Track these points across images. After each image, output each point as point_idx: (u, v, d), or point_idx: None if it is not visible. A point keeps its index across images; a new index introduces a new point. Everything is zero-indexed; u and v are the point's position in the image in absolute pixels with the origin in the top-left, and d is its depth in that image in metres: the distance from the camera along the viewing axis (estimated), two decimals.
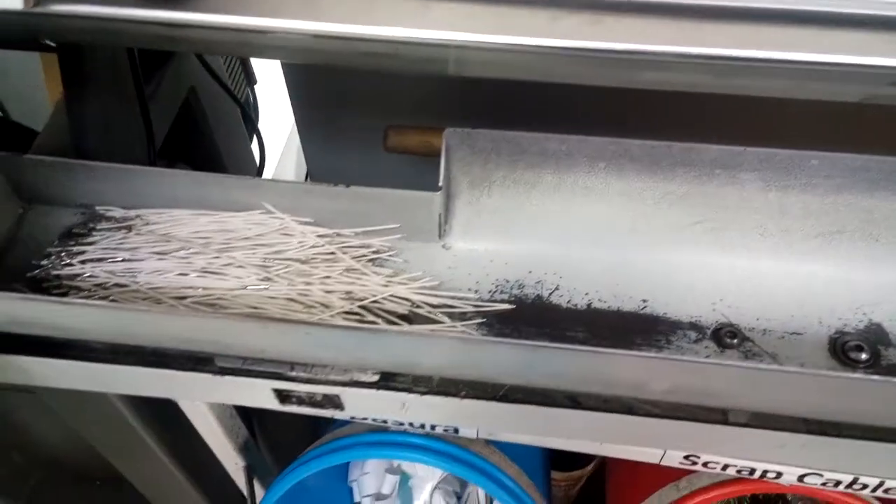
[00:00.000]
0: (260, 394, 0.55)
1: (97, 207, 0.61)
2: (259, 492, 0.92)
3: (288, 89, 1.03)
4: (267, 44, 0.45)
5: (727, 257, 0.58)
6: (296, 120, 1.10)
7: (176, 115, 0.96)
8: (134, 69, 0.80)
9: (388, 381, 0.54)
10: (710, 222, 0.57)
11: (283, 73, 1.02)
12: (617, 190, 0.57)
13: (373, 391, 0.53)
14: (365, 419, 0.62)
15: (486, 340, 0.50)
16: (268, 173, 1.34)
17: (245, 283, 0.53)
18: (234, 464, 0.83)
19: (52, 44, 0.75)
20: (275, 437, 0.92)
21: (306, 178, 1.47)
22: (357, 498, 0.96)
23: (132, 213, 0.61)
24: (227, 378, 0.53)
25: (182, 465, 0.99)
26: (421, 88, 0.95)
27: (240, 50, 0.70)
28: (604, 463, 1.11)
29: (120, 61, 0.80)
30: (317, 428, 1.26)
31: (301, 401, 0.56)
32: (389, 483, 0.94)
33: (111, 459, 0.99)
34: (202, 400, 0.63)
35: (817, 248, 0.57)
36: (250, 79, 1.26)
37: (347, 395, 0.54)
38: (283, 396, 0.55)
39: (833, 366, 0.54)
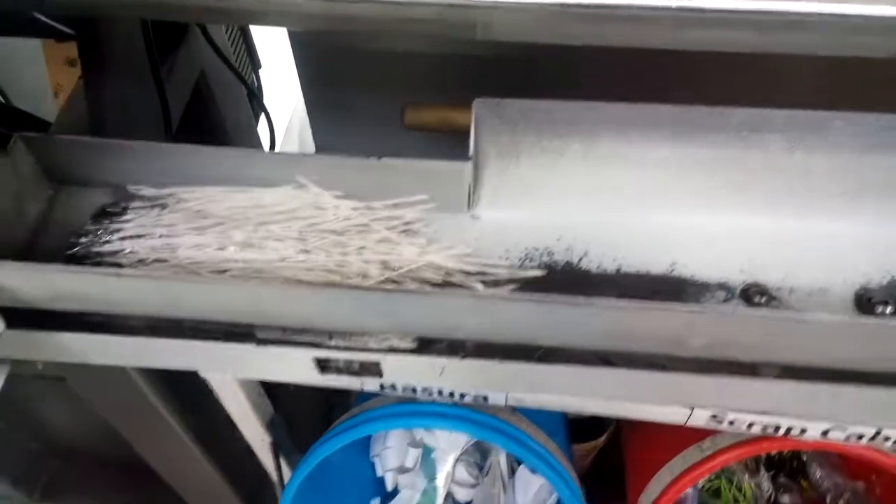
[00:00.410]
0: (301, 364, 0.56)
1: (128, 187, 0.62)
2: (283, 470, 0.93)
3: (297, 68, 1.03)
4: (280, 9, 0.46)
5: (753, 218, 0.59)
6: (305, 100, 1.10)
7: (189, 98, 0.96)
8: (150, 50, 0.81)
9: (425, 347, 0.55)
10: (737, 185, 0.58)
11: (292, 51, 1.02)
12: (644, 155, 0.58)
13: (412, 357, 0.54)
14: (400, 388, 0.63)
15: (524, 298, 0.51)
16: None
17: (283, 256, 0.54)
18: (260, 440, 0.84)
19: (71, 31, 0.75)
20: (292, 419, 0.94)
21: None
22: (380, 472, 0.97)
23: (164, 191, 0.61)
24: (269, 349, 0.54)
25: (203, 445, 1.00)
26: (434, 66, 0.95)
27: (255, 18, 0.69)
28: (617, 434, 1.13)
29: (136, 43, 0.80)
30: (330, 411, 1.27)
31: (340, 369, 0.57)
32: (412, 456, 0.95)
33: (133, 442, 1.00)
34: (242, 374, 0.64)
35: (842, 207, 0.58)
36: (255, 63, 1.26)
37: (387, 361, 0.55)
38: (323, 366, 0.56)
39: None
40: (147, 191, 0.61)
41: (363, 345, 0.55)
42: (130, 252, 0.55)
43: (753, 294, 0.57)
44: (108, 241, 0.55)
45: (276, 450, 0.88)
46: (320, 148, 1.16)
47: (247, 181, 0.61)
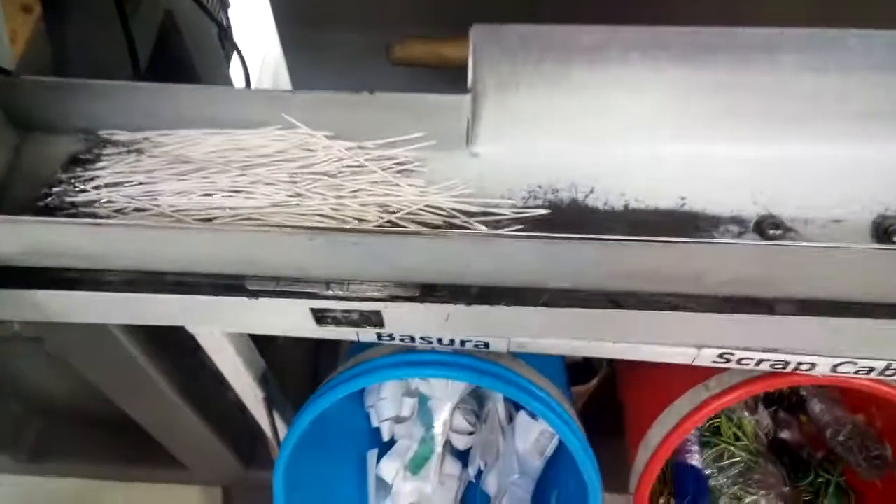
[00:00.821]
0: (296, 316, 0.53)
1: (100, 132, 0.57)
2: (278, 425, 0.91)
3: (271, 4, 0.98)
4: None
5: (765, 146, 0.56)
6: (279, 38, 1.05)
7: (156, 35, 0.91)
8: None
9: (428, 293, 0.53)
10: (748, 110, 0.55)
11: None
12: (650, 82, 0.55)
13: (415, 305, 0.51)
14: (398, 337, 0.61)
15: (530, 237, 0.48)
16: None
17: (274, 201, 0.50)
18: (253, 396, 0.81)
19: None
20: (280, 375, 0.91)
21: None
22: (375, 423, 0.96)
23: (139, 135, 0.57)
24: (262, 301, 0.51)
25: (194, 403, 0.98)
26: None
27: None
28: (610, 378, 1.12)
29: None
30: (318, 367, 1.25)
31: (338, 321, 0.54)
32: (408, 406, 0.93)
33: (118, 401, 0.98)
34: (232, 329, 0.61)
35: (855, 131, 0.55)
36: (224, 1, 1.19)
37: (389, 310, 0.52)
38: (319, 317, 0.53)
39: None
40: (121, 135, 0.57)
41: (363, 293, 0.52)
42: (108, 201, 0.51)
43: (768, 227, 0.54)
44: (82, 191, 0.51)
45: (270, 405, 0.86)
46: (297, 86, 1.11)
47: (228, 122, 0.57)
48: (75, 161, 0.56)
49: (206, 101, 0.55)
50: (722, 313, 0.53)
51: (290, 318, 0.53)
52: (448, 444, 0.93)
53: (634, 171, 0.57)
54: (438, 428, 0.90)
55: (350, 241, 0.45)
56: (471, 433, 0.93)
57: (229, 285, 0.52)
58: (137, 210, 0.50)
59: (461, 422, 0.93)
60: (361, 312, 0.52)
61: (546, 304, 0.53)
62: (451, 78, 0.79)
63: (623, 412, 0.97)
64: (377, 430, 0.96)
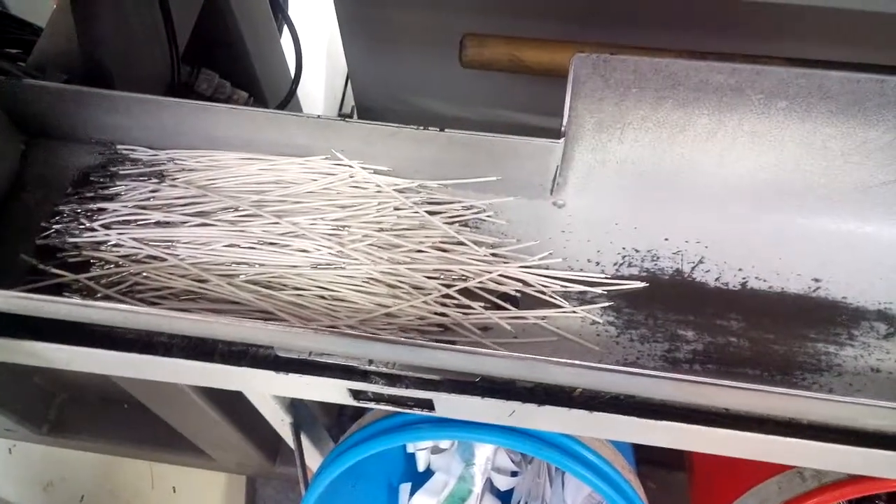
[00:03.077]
0: (330, 391, 0.44)
1: (119, 147, 0.48)
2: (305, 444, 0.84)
3: None
4: None
5: None
6: (336, 14, 0.94)
7: (199, 12, 0.81)
8: None
9: (491, 386, 0.43)
10: None
11: None
12: (795, 137, 0.43)
13: (475, 399, 0.42)
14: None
15: (595, 368, 0.38)
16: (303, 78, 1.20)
17: (313, 261, 0.41)
18: (279, 421, 0.74)
19: None
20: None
21: (346, 83, 1.32)
22: (411, 449, 0.88)
23: (163, 154, 0.48)
24: (291, 376, 0.42)
25: (221, 409, 0.92)
26: None
27: None
28: None
29: None
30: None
31: (382, 399, 0.45)
32: None
33: (148, 404, 0.92)
34: (262, 392, 0.53)
35: None
36: None
37: (441, 399, 0.43)
38: (358, 395, 0.44)
39: None
40: (142, 153, 0.48)
41: (412, 374, 0.43)
42: (115, 245, 0.42)
43: None
44: (88, 228, 0.42)
45: (298, 430, 0.79)
46: (353, 71, 1.01)
47: (266, 147, 0.47)
48: (85, 181, 0.47)
49: (241, 123, 0.46)
50: (809, 440, 0.42)
51: (324, 393, 0.44)
52: (489, 483, 0.85)
53: (758, 243, 0.46)
54: (479, 465, 0.82)
55: (373, 346, 0.35)
56: (514, 473, 0.85)
57: (254, 353, 0.43)
58: (150, 259, 0.41)
59: (505, 460, 0.84)
60: (409, 398, 0.43)
61: (615, 410, 0.42)
62: (527, 80, 0.69)
63: (685, 461, 0.87)
64: (413, 457, 0.88)
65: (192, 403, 0.89)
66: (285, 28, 1.02)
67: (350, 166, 0.46)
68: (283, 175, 0.45)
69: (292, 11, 1.16)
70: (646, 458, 1.07)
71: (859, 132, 0.42)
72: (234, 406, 0.96)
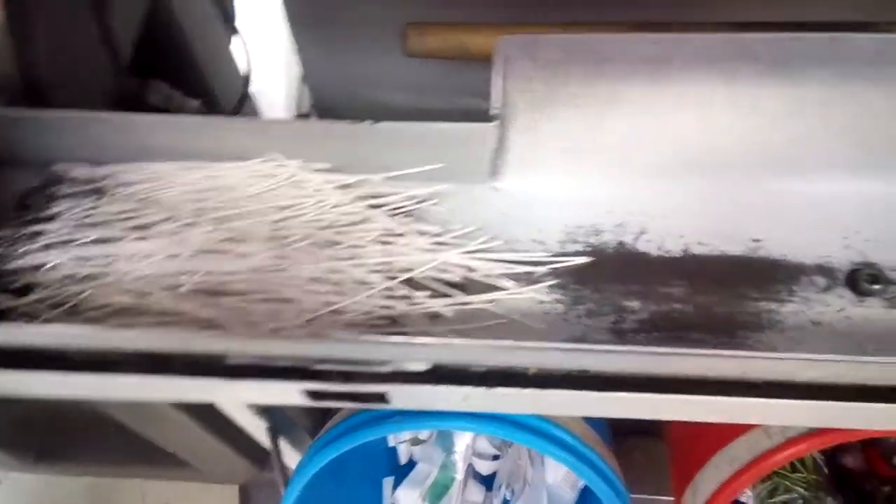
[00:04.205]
0: (286, 394, 0.44)
1: (55, 167, 0.48)
2: (284, 446, 0.85)
3: None
4: None
5: (865, 178, 0.46)
6: (285, 12, 0.93)
7: (142, 21, 0.80)
8: None
9: (442, 372, 0.43)
10: (846, 134, 0.44)
11: None
12: (725, 100, 0.44)
13: (426, 386, 0.42)
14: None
15: (548, 347, 0.39)
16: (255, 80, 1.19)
17: (254, 265, 0.41)
18: (255, 426, 0.74)
19: None
20: None
21: (301, 82, 1.31)
22: (392, 443, 0.88)
23: (101, 170, 0.48)
24: (243, 382, 0.42)
25: (202, 421, 0.91)
26: None
27: None
28: None
29: None
30: None
31: (338, 397, 0.45)
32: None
33: (125, 421, 0.91)
34: (216, 401, 0.53)
35: None
36: None
37: (395, 390, 0.43)
38: (315, 395, 0.44)
39: None
40: (80, 171, 0.48)
41: (365, 369, 0.43)
42: (54, 267, 0.42)
43: (863, 279, 0.44)
44: (27, 252, 0.42)
45: (275, 433, 0.79)
46: (307, 70, 1.00)
47: (205, 154, 0.47)
48: (25, 205, 0.47)
49: (175, 132, 0.46)
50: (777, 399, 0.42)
51: (281, 396, 0.45)
52: (471, 469, 0.85)
53: (697, 209, 0.47)
54: (460, 453, 0.83)
55: (317, 347, 0.36)
56: (495, 457, 0.85)
57: (206, 362, 0.43)
58: (89, 277, 0.41)
59: (485, 445, 0.85)
60: (361, 394, 0.43)
61: (580, 386, 0.43)
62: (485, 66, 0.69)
63: (662, 428, 0.89)
64: (394, 450, 0.89)
65: (168, 418, 0.89)
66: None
67: (290, 166, 0.46)
68: (223, 181, 0.45)
69: (248, 13, 1.15)
70: (631, 429, 1.08)
71: (788, 91, 0.43)
72: (213, 416, 0.96)
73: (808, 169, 0.46)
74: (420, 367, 0.43)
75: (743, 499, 0.77)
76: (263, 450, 1.18)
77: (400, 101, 0.92)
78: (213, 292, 0.42)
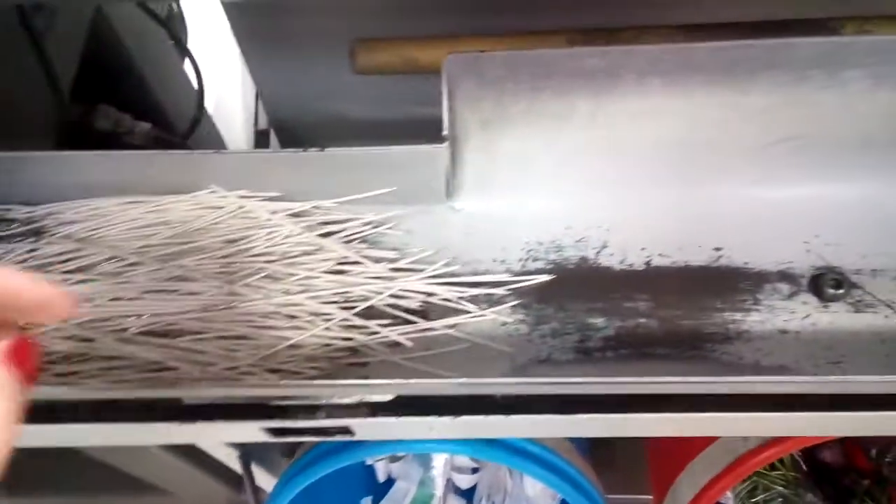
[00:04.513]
0: (245, 434, 0.43)
1: None
2: (258, 470, 0.83)
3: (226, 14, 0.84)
4: None
5: (822, 182, 0.45)
6: (234, 32, 0.91)
7: (84, 46, 0.78)
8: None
9: (406, 403, 0.42)
10: (801, 139, 0.44)
11: None
12: (676, 110, 0.43)
13: (390, 419, 0.41)
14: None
15: (503, 384, 0.38)
16: (210, 99, 1.17)
17: (204, 303, 0.40)
18: (226, 455, 0.72)
19: None
20: None
21: (256, 99, 1.29)
22: (369, 461, 0.87)
23: (41, 210, 0.46)
24: (199, 425, 0.41)
25: (177, 450, 0.89)
26: None
27: None
28: None
29: None
30: None
31: (301, 432, 0.43)
32: None
33: (98, 457, 0.89)
34: (176, 442, 0.51)
35: None
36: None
37: (359, 424, 0.42)
38: (277, 432, 0.43)
39: None
40: (17, 211, 0.46)
41: (327, 401, 0.42)
42: None
43: (827, 284, 0.43)
44: None
45: (247, 459, 0.77)
46: (260, 86, 0.98)
47: (149, 188, 0.46)
48: None
49: (116, 167, 0.44)
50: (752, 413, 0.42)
51: (240, 435, 0.43)
52: (450, 484, 0.84)
53: (657, 220, 0.46)
54: (439, 468, 0.82)
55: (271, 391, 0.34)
56: (474, 470, 0.84)
57: (162, 404, 0.42)
58: (26, 326, 0.39)
59: (464, 459, 0.84)
60: (325, 428, 0.42)
61: (553, 411, 0.42)
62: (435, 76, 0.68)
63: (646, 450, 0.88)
64: (372, 469, 0.87)
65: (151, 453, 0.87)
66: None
67: (239, 195, 0.44)
68: (168, 215, 0.44)
69: (205, 29, 1.13)
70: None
71: (736, 99, 0.42)
72: (186, 444, 0.94)
73: (764, 175, 0.45)
74: (384, 397, 0.41)
75: (722, 500, 0.77)
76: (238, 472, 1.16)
77: (356, 113, 0.91)
78: (162, 333, 0.40)
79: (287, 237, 0.42)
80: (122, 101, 0.86)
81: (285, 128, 0.99)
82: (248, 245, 0.42)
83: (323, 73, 0.83)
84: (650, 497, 0.79)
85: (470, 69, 0.41)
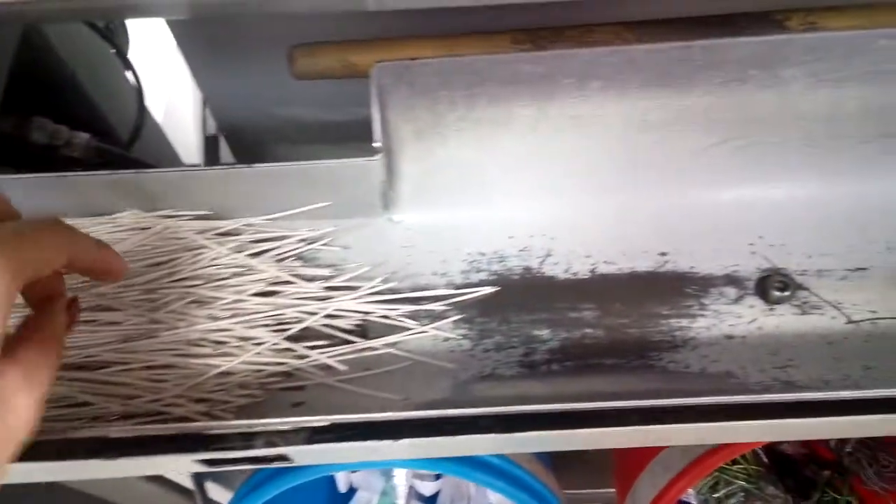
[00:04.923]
0: (179, 465, 0.41)
1: None
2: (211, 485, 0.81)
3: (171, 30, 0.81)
4: None
5: (765, 183, 0.44)
6: (175, 38, 0.89)
7: (14, 57, 0.74)
8: None
9: (345, 426, 0.40)
10: (741, 139, 0.43)
11: None
12: (616, 114, 0.42)
13: (328, 445, 0.39)
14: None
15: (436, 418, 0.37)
16: (159, 106, 1.14)
17: (126, 334, 0.37)
18: (176, 474, 0.70)
19: None
20: None
21: (204, 105, 1.26)
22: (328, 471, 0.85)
23: None
24: (128, 460, 0.39)
25: None
26: None
27: None
28: None
29: None
30: None
31: (237, 461, 0.42)
32: None
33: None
34: (101, 477, 0.49)
35: (879, 155, 0.44)
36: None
37: (296, 451, 0.40)
38: (212, 463, 0.41)
39: None
40: None
41: (262, 428, 0.40)
42: None
43: (773, 286, 0.43)
44: None
45: (200, 478, 0.75)
46: (208, 94, 0.96)
47: (66, 211, 0.43)
48: None
49: (29, 189, 0.41)
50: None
51: (173, 467, 0.41)
52: (413, 491, 0.83)
53: (601, 227, 0.45)
54: (400, 477, 0.80)
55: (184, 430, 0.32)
56: (438, 476, 0.83)
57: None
58: None
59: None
60: (261, 457, 0.40)
61: (500, 430, 0.40)
62: None
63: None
64: (333, 479, 0.86)
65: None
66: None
67: (164, 215, 0.42)
68: None
69: (151, 35, 1.09)
70: None
71: (675, 101, 0.41)
72: None
73: (708, 178, 0.44)
74: (322, 422, 0.40)
75: (685, 497, 0.77)
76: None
77: (305, 117, 0.89)
78: (80, 367, 0.38)
79: (214, 259, 0.40)
80: (61, 112, 0.83)
81: (234, 133, 0.97)
82: (173, 269, 0.40)
83: (267, 78, 0.81)
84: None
85: (400, 78, 0.39)
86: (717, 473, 0.77)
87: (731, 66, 0.39)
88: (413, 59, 0.39)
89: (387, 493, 0.80)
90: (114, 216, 0.43)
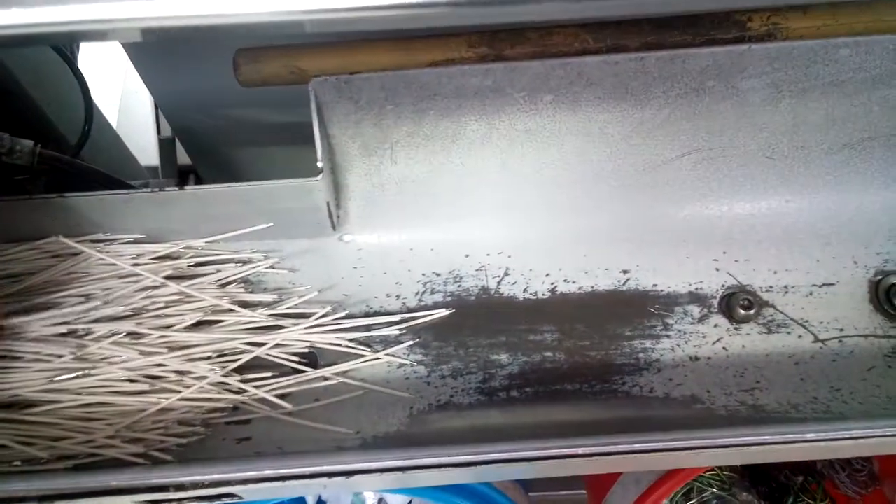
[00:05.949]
0: None
1: None
2: None
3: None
4: None
5: (728, 196, 0.43)
6: (121, 43, 0.85)
7: None
8: None
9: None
10: (702, 152, 0.41)
11: None
12: (571, 128, 0.40)
13: (276, 483, 0.37)
14: None
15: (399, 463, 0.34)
16: (114, 110, 1.10)
17: (54, 373, 0.35)
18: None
19: None
20: None
21: (156, 108, 1.23)
22: None
23: None
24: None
25: None
26: None
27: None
28: None
29: None
30: None
31: (184, 501, 0.39)
32: None
33: None
34: None
35: (844, 166, 0.42)
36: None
37: (245, 489, 0.38)
38: (155, 503, 0.38)
39: (881, 323, 0.41)
40: None
41: (208, 476, 0.37)
42: None
43: (738, 304, 0.41)
44: None
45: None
46: (158, 99, 0.92)
47: None
48: None
49: None
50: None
51: None
52: (382, 502, 0.81)
53: (561, 244, 0.43)
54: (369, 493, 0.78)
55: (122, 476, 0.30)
56: None
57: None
58: None
59: None
60: (208, 497, 0.38)
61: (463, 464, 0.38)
62: None
63: None
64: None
65: None
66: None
67: (96, 240, 0.40)
68: (9, 268, 0.39)
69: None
70: None
71: (633, 113, 0.39)
72: None
73: (668, 192, 0.42)
74: (270, 474, 0.37)
75: None
76: None
77: (255, 118, 0.85)
78: (5, 406, 0.35)
79: (148, 288, 0.38)
80: (6, 121, 0.79)
81: (188, 135, 0.93)
82: (104, 298, 0.37)
83: (217, 80, 0.78)
84: None
85: (342, 93, 0.37)
86: (690, 481, 0.76)
87: (689, 77, 0.37)
88: (353, 73, 0.36)
89: None
90: (42, 241, 0.40)
